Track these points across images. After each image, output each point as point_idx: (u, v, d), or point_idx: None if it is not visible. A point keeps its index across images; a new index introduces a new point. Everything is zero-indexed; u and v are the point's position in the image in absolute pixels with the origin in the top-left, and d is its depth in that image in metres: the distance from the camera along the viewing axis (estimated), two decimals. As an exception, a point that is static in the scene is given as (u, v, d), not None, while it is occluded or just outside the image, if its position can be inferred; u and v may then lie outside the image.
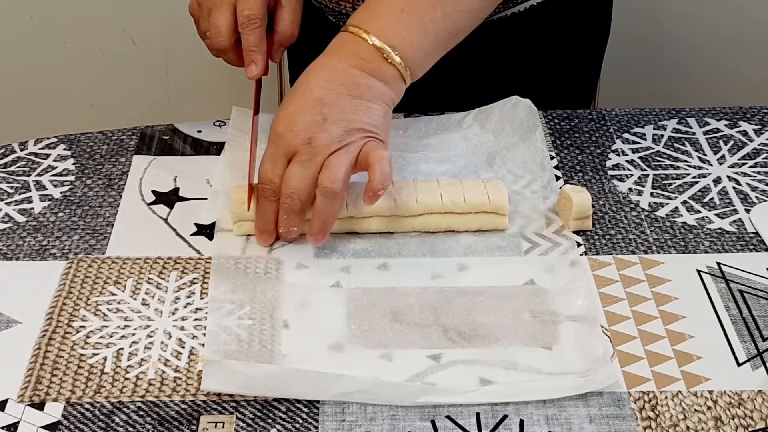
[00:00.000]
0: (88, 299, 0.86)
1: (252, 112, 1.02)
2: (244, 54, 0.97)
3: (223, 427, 0.75)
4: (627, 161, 1.04)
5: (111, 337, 0.82)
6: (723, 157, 1.04)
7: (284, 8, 0.99)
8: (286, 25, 0.99)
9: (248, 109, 1.07)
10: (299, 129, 0.87)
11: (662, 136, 1.07)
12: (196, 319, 0.84)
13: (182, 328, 0.83)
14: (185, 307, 0.85)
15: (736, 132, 1.08)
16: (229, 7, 0.96)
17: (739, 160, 1.04)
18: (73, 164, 1.02)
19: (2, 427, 0.74)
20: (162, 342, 0.82)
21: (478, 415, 0.76)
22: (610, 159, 1.04)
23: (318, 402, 0.76)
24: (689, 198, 0.98)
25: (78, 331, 0.82)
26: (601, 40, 1.24)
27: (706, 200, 0.98)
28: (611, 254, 0.91)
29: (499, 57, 1.12)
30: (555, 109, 1.11)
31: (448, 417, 0.76)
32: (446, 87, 1.08)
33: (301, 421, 0.75)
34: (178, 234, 0.93)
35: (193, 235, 0.93)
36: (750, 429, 0.75)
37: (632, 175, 1.02)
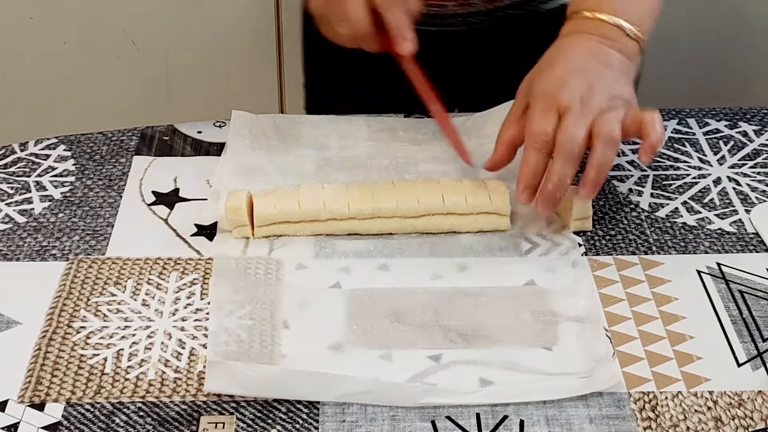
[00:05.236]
0: (89, 300, 0.86)
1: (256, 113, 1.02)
2: (392, 32, 0.96)
3: (223, 427, 0.75)
4: (627, 162, 1.04)
5: (111, 337, 0.82)
6: (723, 157, 1.04)
7: None
8: (413, 2, 0.98)
9: (248, 112, 1.07)
10: (572, 89, 0.90)
11: (662, 136, 1.07)
12: (196, 320, 0.84)
13: (182, 329, 0.83)
14: (185, 307, 0.85)
15: (736, 132, 1.08)
16: None
17: (739, 160, 1.04)
18: (73, 165, 1.02)
19: (3, 428, 0.74)
20: (162, 342, 0.82)
21: (478, 415, 0.76)
22: (610, 159, 1.04)
23: (318, 402, 0.76)
24: (689, 198, 0.98)
25: (78, 332, 0.82)
26: None
27: (706, 201, 0.98)
28: (611, 255, 0.91)
29: (536, 53, 1.12)
30: None
31: (448, 417, 0.76)
32: (481, 85, 1.09)
33: (301, 422, 0.75)
34: (178, 234, 0.93)
35: (193, 235, 0.93)
36: (750, 429, 0.75)
37: (632, 175, 1.02)
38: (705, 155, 1.05)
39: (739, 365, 0.80)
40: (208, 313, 0.84)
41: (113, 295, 0.86)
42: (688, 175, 1.02)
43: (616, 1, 0.96)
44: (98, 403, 0.77)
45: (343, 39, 0.98)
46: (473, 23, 1.14)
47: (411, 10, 0.97)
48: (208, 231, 0.94)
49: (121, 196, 0.98)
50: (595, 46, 0.95)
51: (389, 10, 0.95)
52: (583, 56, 0.94)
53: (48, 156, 1.04)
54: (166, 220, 0.95)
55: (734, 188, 1.00)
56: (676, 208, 0.97)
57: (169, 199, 0.98)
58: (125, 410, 0.76)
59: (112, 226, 0.94)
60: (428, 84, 0.99)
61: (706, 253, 0.92)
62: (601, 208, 0.97)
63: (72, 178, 1.00)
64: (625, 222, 0.95)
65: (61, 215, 0.95)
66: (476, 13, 1.14)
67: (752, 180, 1.01)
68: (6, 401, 0.77)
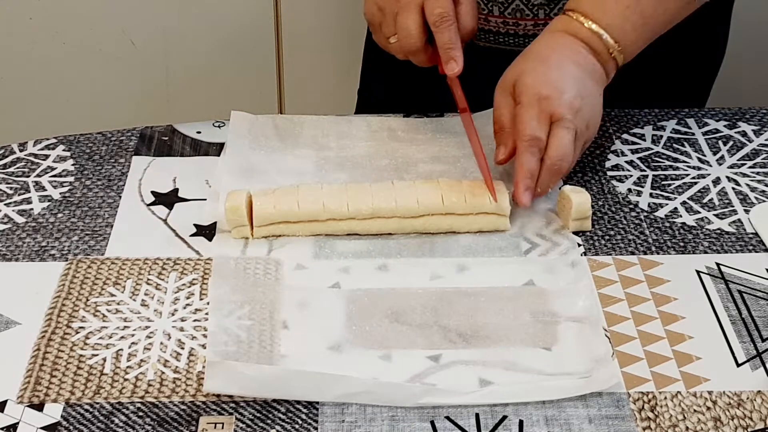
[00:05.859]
0: (88, 300, 0.86)
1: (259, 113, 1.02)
2: (441, 52, 0.97)
3: (222, 427, 0.75)
4: (626, 162, 1.04)
5: (110, 338, 0.82)
6: (722, 157, 1.04)
7: (462, 3, 0.99)
8: (468, 20, 0.99)
9: (246, 113, 1.07)
10: (568, 98, 0.92)
11: (661, 136, 1.07)
12: (195, 320, 0.84)
13: (181, 329, 0.83)
14: (184, 307, 0.85)
15: (736, 132, 1.08)
16: (417, 8, 0.97)
17: (738, 160, 1.04)
18: (72, 165, 1.02)
19: (2, 428, 0.74)
20: (161, 343, 0.82)
21: (477, 415, 0.76)
22: (609, 159, 1.04)
23: (317, 403, 0.76)
24: (688, 198, 0.98)
25: (77, 332, 0.82)
26: (718, 48, 1.24)
27: (705, 201, 0.98)
28: (610, 255, 0.91)
29: None
30: (666, 107, 1.11)
31: (448, 418, 0.76)
32: None
33: (300, 422, 0.75)
34: (177, 235, 0.93)
35: (192, 235, 0.93)
36: (749, 429, 0.75)
37: (631, 175, 1.02)
38: (704, 155, 1.05)
39: (738, 365, 0.80)
40: (207, 314, 0.84)
41: (112, 295, 0.86)
42: (687, 175, 1.02)
43: (615, 18, 0.96)
44: (97, 403, 0.76)
45: (393, 49, 0.99)
46: None
47: (464, 27, 0.98)
48: (207, 231, 0.94)
49: (120, 197, 0.98)
50: (583, 56, 0.96)
51: (440, 29, 0.96)
52: (574, 65, 0.95)
53: (47, 156, 1.04)
54: (165, 220, 0.95)
55: (733, 188, 1.00)
56: (676, 208, 0.97)
57: (169, 199, 0.98)
58: (124, 410, 0.76)
59: (112, 226, 0.94)
60: (468, 110, 1.00)
61: (706, 253, 0.92)
62: (600, 208, 0.97)
63: (71, 179, 1.00)
64: (625, 222, 0.95)
65: (60, 215, 0.95)
66: None
67: (751, 180, 1.01)
68: (5, 401, 0.76)
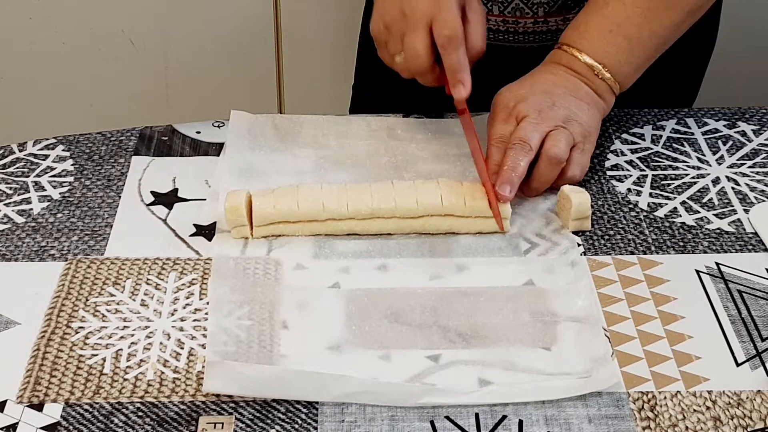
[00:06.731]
0: (87, 300, 0.86)
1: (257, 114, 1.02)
2: (449, 75, 0.96)
3: (222, 427, 0.75)
4: (626, 161, 1.04)
5: (110, 337, 0.82)
6: (722, 157, 1.04)
7: (471, 23, 0.98)
8: (477, 40, 0.98)
9: (246, 112, 1.07)
10: (531, 102, 0.97)
11: (661, 136, 1.07)
12: (195, 320, 0.84)
13: (181, 329, 0.83)
14: (184, 307, 0.85)
15: (735, 132, 1.08)
16: (425, 28, 0.95)
17: (737, 160, 1.04)
18: (72, 165, 1.02)
19: (1, 428, 0.74)
20: (161, 343, 0.82)
21: (477, 415, 0.76)
22: (609, 159, 1.04)
23: (317, 403, 0.76)
24: (688, 198, 0.98)
25: (77, 332, 0.82)
26: (707, 41, 1.24)
27: (704, 200, 0.98)
28: (610, 254, 0.91)
29: None
30: (658, 100, 1.13)
31: (447, 417, 0.76)
32: None
33: (300, 422, 0.75)
34: (177, 235, 0.93)
35: (192, 235, 0.93)
36: (749, 429, 0.75)
37: (631, 175, 1.02)
38: (704, 155, 1.05)
39: (737, 365, 0.80)
40: (206, 313, 0.84)
41: (112, 295, 0.86)
42: (687, 174, 1.02)
43: (595, 41, 0.99)
44: (97, 403, 0.77)
45: (399, 68, 0.99)
46: (549, 40, 1.14)
47: (473, 47, 0.98)
48: (206, 231, 0.94)
49: (119, 197, 0.98)
50: (566, 78, 0.99)
51: (448, 51, 0.95)
52: (551, 83, 0.98)
53: (47, 156, 1.04)
54: (164, 220, 0.95)
55: (733, 188, 1.00)
56: (675, 207, 0.97)
57: (168, 199, 0.98)
58: (124, 410, 0.76)
59: (111, 226, 0.94)
60: (468, 112, 1.00)
61: (705, 252, 0.92)
62: (599, 207, 0.97)
63: (71, 179, 1.00)
64: (624, 222, 0.95)
65: (59, 215, 0.95)
66: (554, 32, 1.13)
67: (751, 180, 1.01)
68: (5, 401, 0.76)
